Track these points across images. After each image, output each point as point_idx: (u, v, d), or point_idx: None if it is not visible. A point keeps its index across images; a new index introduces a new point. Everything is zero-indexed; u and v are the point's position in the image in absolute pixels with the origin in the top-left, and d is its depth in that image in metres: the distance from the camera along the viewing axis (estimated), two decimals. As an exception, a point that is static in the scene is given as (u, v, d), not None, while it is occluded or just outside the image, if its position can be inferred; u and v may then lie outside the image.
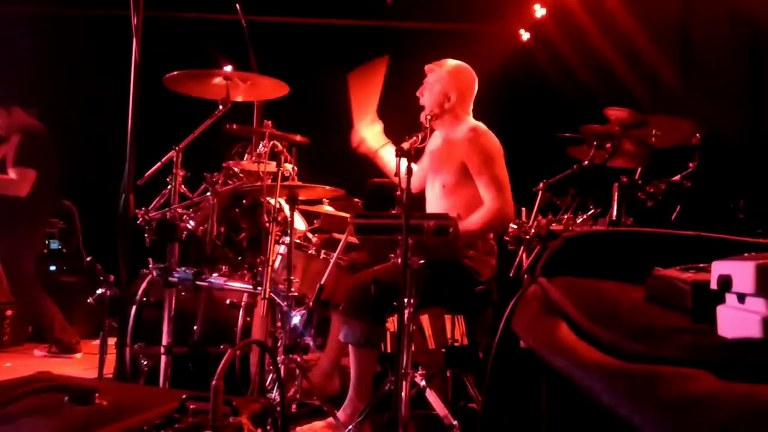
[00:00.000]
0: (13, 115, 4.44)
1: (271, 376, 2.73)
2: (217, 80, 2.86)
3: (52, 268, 5.06)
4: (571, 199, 3.18)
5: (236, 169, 3.13)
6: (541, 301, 1.26)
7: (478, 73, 3.15)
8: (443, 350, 3.07)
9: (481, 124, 3.03)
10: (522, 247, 3.01)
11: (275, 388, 2.66)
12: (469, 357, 2.99)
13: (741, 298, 0.84)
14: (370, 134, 3.24)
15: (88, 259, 3.10)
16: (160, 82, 2.81)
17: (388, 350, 3.03)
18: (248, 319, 3.08)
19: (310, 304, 2.88)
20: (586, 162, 3.19)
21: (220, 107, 2.84)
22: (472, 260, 2.88)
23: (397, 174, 2.30)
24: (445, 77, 3.05)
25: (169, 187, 2.95)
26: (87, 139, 5.57)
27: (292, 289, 2.77)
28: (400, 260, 2.26)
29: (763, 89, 4.23)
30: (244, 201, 3.38)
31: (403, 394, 2.27)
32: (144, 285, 3.15)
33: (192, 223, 2.97)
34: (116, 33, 2.91)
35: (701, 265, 1.06)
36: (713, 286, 0.89)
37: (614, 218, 3.11)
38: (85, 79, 5.69)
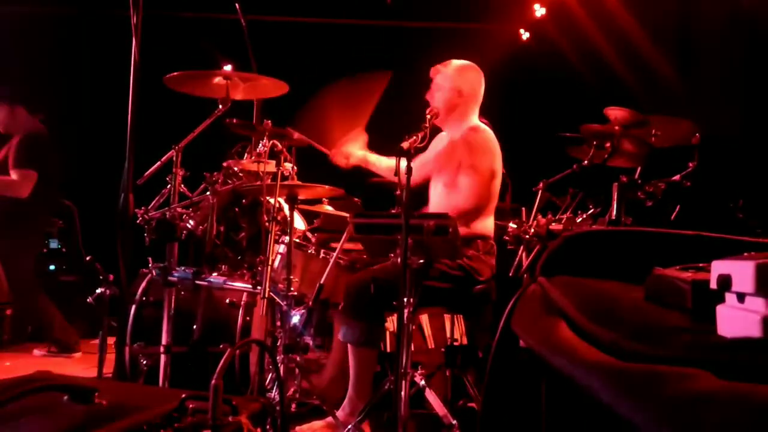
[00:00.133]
0: (16, 114, 4.44)
1: (270, 375, 2.73)
2: (217, 80, 2.85)
3: (52, 267, 5.06)
4: (570, 199, 3.18)
5: (236, 169, 3.13)
6: (540, 300, 1.26)
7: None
8: (443, 350, 3.06)
9: (481, 125, 3.05)
10: (522, 247, 3.02)
11: (275, 388, 2.66)
12: (468, 356, 2.99)
13: (741, 297, 0.84)
14: (353, 148, 3.27)
15: (88, 258, 3.09)
16: (160, 82, 2.81)
17: (388, 350, 3.03)
18: (248, 318, 3.08)
19: (310, 303, 2.88)
20: (585, 162, 3.19)
21: (220, 107, 2.84)
22: (472, 260, 2.88)
23: (397, 173, 2.30)
24: (454, 75, 3.07)
25: (168, 186, 2.95)
26: (87, 138, 5.57)
27: (292, 289, 2.76)
28: (399, 260, 2.26)
29: (763, 89, 4.24)
30: (243, 200, 3.38)
31: (402, 393, 2.27)
32: (143, 284, 3.14)
33: (191, 222, 2.97)
34: (116, 33, 2.91)
35: (701, 264, 1.06)
36: (713, 285, 0.89)
37: (614, 218, 3.11)
38: (85, 79, 5.69)
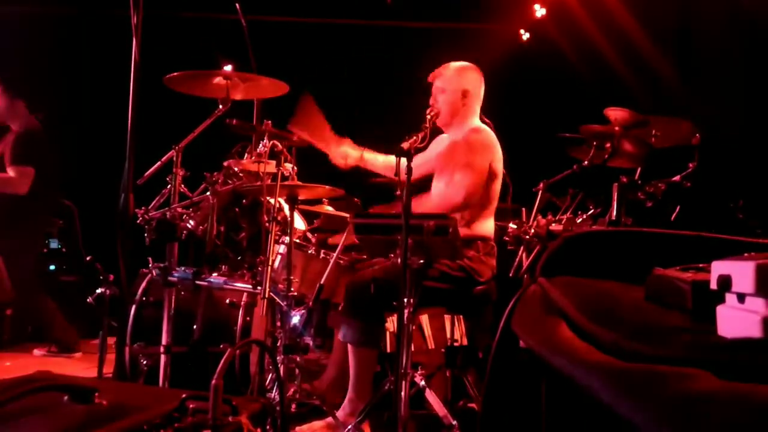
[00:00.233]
0: (15, 106, 4.43)
1: (270, 375, 2.73)
2: (217, 80, 2.86)
3: (52, 267, 5.06)
4: (570, 199, 3.18)
5: (236, 169, 3.13)
6: (541, 300, 1.26)
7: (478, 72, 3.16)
8: (443, 350, 3.07)
9: (483, 126, 3.05)
10: (522, 247, 3.02)
11: (275, 388, 2.66)
12: (468, 357, 2.99)
13: (741, 297, 0.84)
14: (345, 148, 3.28)
15: (88, 258, 3.09)
16: (160, 82, 2.81)
17: (388, 350, 3.03)
18: (248, 318, 3.08)
19: (310, 303, 2.88)
20: (585, 162, 3.20)
21: (220, 106, 2.84)
22: (472, 260, 2.88)
23: (398, 173, 2.30)
24: (456, 77, 3.08)
25: (168, 186, 2.95)
26: (87, 138, 5.57)
27: (292, 289, 2.77)
28: (399, 260, 2.26)
29: (763, 89, 4.24)
30: (243, 200, 3.38)
31: (402, 393, 2.27)
32: (143, 284, 3.14)
33: (192, 222, 2.97)
34: (116, 33, 2.91)
35: (701, 265, 1.06)
36: (713, 286, 0.89)
37: (614, 218, 3.11)
38: (85, 79, 5.69)
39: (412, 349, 2.52)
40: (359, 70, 5.39)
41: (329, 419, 2.74)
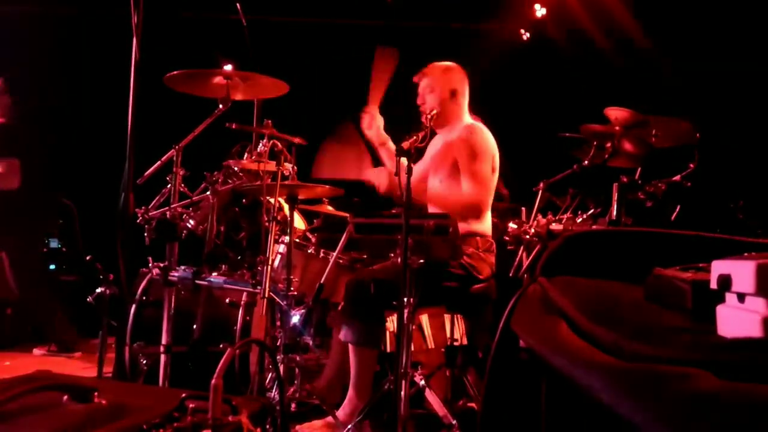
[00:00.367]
0: (2, 101, 4.41)
1: (270, 375, 2.73)
2: (217, 80, 2.86)
3: (52, 267, 5.06)
4: (570, 199, 3.18)
5: (236, 168, 3.13)
6: (541, 300, 1.26)
7: (479, 72, 3.17)
8: (443, 350, 3.07)
9: (478, 123, 3.06)
10: (522, 247, 3.02)
11: (275, 387, 2.66)
12: (468, 356, 2.99)
13: (741, 297, 0.84)
14: (373, 128, 3.22)
15: (88, 258, 3.09)
16: (160, 82, 2.81)
17: (388, 350, 3.03)
18: (248, 318, 3.08)
19: (310, 303, 2.88)
20: (586, 162, 3.20)
21: (220, 106, 2.84)
22: (472, 258, 2.88)
23: (398, 174, 2.30)
24: (443, 76, 3.08)
25: (168, 186, 2.95)
26: (87, 138, 5.57)
27: (292, 289, 2.77)
28: (399, 259, 2.26)
29: (764, 88, 4.24)
30: (243, 200, 3.38)
31: (402, 393, 2.27)
32: (143, 284, 3.14)
33: (192, 222, 2.97)
34: (116, 33, 2.91)
35: (701, 264, 1.06)
36: (713, 285, 0.89)
37: (614, 218, 3.11)
38: (85, 79, 5.69)
39: (412, 348, 2.52)
40: (359, 70, 5.39)
41: (329, 419, 2.74)
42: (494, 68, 3.35)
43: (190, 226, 3.00)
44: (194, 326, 3.11)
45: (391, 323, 2.97)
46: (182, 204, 2.98)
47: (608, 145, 3.19)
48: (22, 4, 5.53)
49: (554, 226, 2.68)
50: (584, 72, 5.13)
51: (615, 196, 3.13)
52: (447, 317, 3.16)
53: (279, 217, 2.96)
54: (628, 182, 3.18)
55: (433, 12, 5.67)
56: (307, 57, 5.56)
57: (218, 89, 2.87)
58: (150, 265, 2.88)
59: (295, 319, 2.79)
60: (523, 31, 5.49)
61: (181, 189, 2.97)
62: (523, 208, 3.49)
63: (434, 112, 2.82)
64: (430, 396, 2.60)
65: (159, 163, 2.93)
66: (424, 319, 3.18)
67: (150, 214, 2.89)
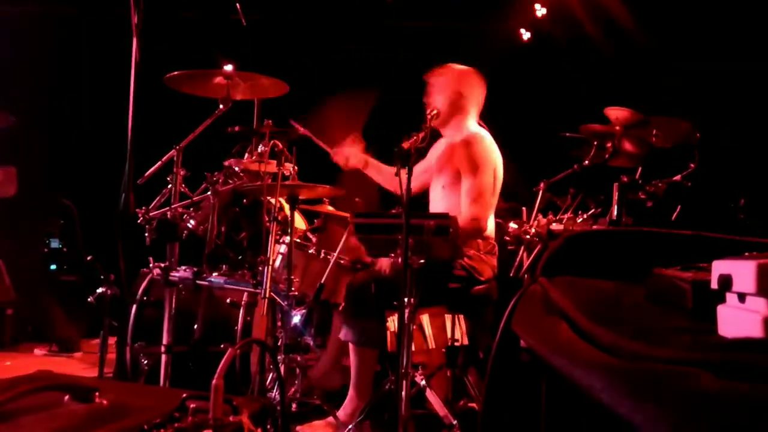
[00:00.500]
0: None
1: (271, 375, 2.73)
2: (218, 80, 2.86)
3: (52, 267, 5.06)
4: (571, 199, 3.18)
5: (237, 169, 3.13)
6: (541, 300, 1.26)
7: (479, 72, 3.16)
8: (443, 350, 3.07)
9: (481, 132, 3.03)
10: (522, 247, 3.02)
11: (275, 387, 2.67)
12: (469, 356, 3.00)
13: (741, 297, 0.84)
14: (352, 153, 3.26)
15: (88, 258, 3.10)
16: (160, 82, 2.81)
17: (389, 349, 3.03)
18: (248, 318, 3.08)
19: (311, 303, 2.88)
20: (586, 162, 3.20)
21: (221, 106, 2.84)
22: (473, 259, 2.88)
23: (397, 174, 2.30)
24: (456, 78, 3.06)
25: (169, 186, 2.95)
26: (87, 138, 5.56)
27: (293, 289, 2.77)
28: (400, 260, 2.26)
29: (764, 88, 4.24)
30: (244, 200, 3.38)
31: (403, 393, 2.27)
32: (144, 284, 3.14)
33: (192, 222, 2.97)
34: (116, 33, 2.91)
35: (701, 264, 1.06)
36: (713, 285, 0.89)
37: (614, 218, 3.11)
38: (85, 79, 5.68)
39: (413, 348, 2.52)
40: (359, 70, 5.39)
41: (330, 418, 2.74)
42: (494, 68, 3.34)
43: (190, 226, 3.00)
44: (195, 326, 3.11)
45: (392, 323, 2.97)
46: (183, 204, 2.98)
47: (608, 144, 3.19)
48: (22, 4, 5.53)
49: (555, 226, 2.68)
50: (584, 72, 5.13)
51: (615, 196, 3.13)
52: (448, 317, 3.16)
53: (279, 217, 2.97)
54: (628, 182, 3.18)
55: (433, 12, 5.67)
56: (307, 57, 5.55)
57: (218, 89, 2.87)
58: (151, 265, 2.88)
59: (296, 319, 2.79)
60: (523, 31, 5.49)
61: (182, 189, 2.97)
62: (524, 208, 3.49)
63: (434, 112, 2.82)
64: (431, 396, 2.60)
65: (159, 163, 2.93)
66: (425, 319, 3.18)
67: (150, 214, 2.89)
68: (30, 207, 4.42)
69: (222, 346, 2.94)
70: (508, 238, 2.84)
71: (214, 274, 2.93)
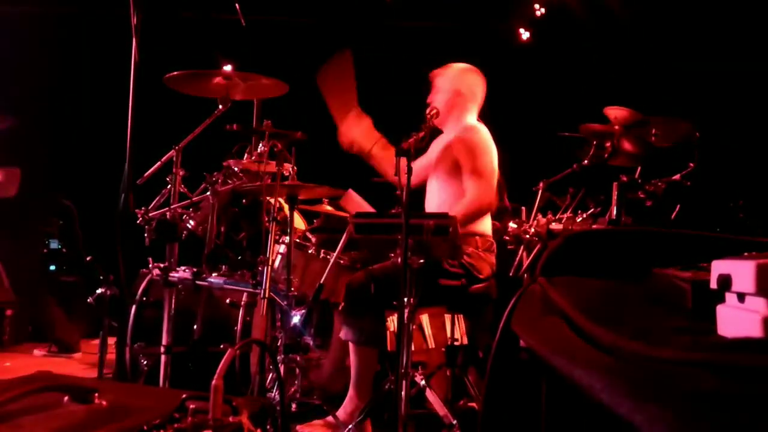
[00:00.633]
0: None
1: (271, 375, 2.73)
2: (217, 80, 2.86)
3: (52, 267, 5.06)
4: (570, 199, 3.18)
5: (236, 169, 3.13)
6: (541, 300, 1.26)
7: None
8: (443, 349, 3.07)
9: (478, 124, 3.06)
10: (522, 247, 3.02)
11: (275, 388, 2.66)
12: (469, 356, 2.99)
13: (741, 297, 0.84)
14: (359, 132, 3.26)
15: (88, 258, 3.10)
16: (160, 82, 2.81)
17: (389, 349, 3.03)
18: (248, 318, 3.08)
19: (310, 303, 2.88)
20: (586, 161, 3.20)
21: (220, 106, 2.84)
22: (472, 257, 2.88)
23: (397, 173, 2.29)
24: (454, 77, 3.10)
25: (168, 186, 2.95)
26: (87, 138, 5.57)
27: (292, 289, 2.77)
28: (400, 259, 2.26)
29: (764, 88, 4.24)
30: (243, 200, 3.38)
31: (403, 393, 2.27)
32: (144, 284, 3.14)
33: (192, 222, 2.97)
34: (116, 33, 2.91)
35: (701, 264, 1.06)
36: (713, 285, 0.89)
37: (614, 218, 3.11)
38: (85, 79, 5.68)
39: (413, 348, 2.52)
40: (359, 70, 5.39)
41: (330, 418, 2.74)
42: (494, 68, 3.35)
43: (190, 226, 3.00)
44: (195, 327, 3.11)
45: (392, 323, 2.97)
46: (182, 204, 2.98)
47: (608, 144, 3.19)
48: (22, 4, 5.53)
49: (554, 226, 2.68)
50: (584, 72, 5.13)
51: (615, 196, 3.13)
52: (447, 317, 3.16)
53: (279, 218, 2.96)
54: (628, 181, 3.18)
55: (433, 12, 5.67)
56: (307, 57, 5.55)
57: (218, 89, 2.87)
58: (150, 265, 2.88)
59: (296, 319, 2.79)
60: (523, 30, 5.49)
61: (181, 189, 2.97)
62: (523, 208, 3.49)
63: (434, 111, 2.83)
64: (431, 396, 2.60)
65: (159, 163, 2.93)
66: (425, 318, 3.18)
67: (150, 214, 2.89)
68: (30, 207, 4.42)
69: (222, 346, 2.94)
70: (507, 238, 2.84)
71: (214, 274, 2.93)
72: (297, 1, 5.84)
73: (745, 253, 0.97)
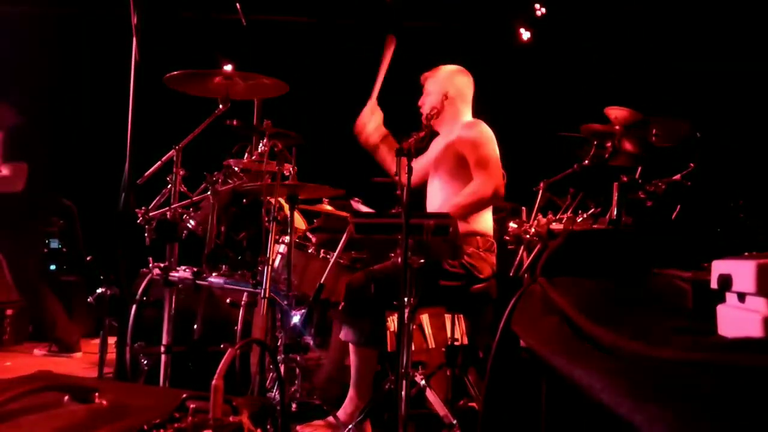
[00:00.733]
0: None
1: (271, 375, 2.73)
2: (217, 80, 2.86)
3: (52, 267, 5.06)
4: (571, 199, 3.18)
5: (236, 168, 3.13)
6: (541, 300, 1.26)
7: (478, 72, 3.18)
8: (443, 349, 3.07)
9: (477, 120, 3.09)
10: (522, 247, 3.02)
11: (275, 388, 2.66)
12: (469, 356, 2.99)
13: (741, 297, 0.84)
14: (372, 124, 3.27)
15: (88, 258, 3.09)
16: (160, 82, 2.81)
17: (389, 349, 3.03)
18: (248, 318, 3.07)
19: (310, 303, 2.88)
20: (586, 161, 3.20)
21: (220, 106, 2.84)
22: (472, 257, 2.88)
23: (397, 173, 2.30)
24: (442, 80, 3.14)
25: (169, 186, 2.95)
26: (87, 138, 5.57)
27: (292, 289, 2.77)
28: (400, 259, 2.26)
29: (764, 88, 4.24)
30: (244, 200, 3.38)
31: (403, 393, 2.27)
32: (144, 284, 3.14)
33: (192, 222, 2.97)
34: (116, 33, 2.91)
35: (701, 264, 1.06)
36: (713, 285, 0.89)
37: (614, 218, 3.11)
38: (85, 79, 5.69)
39: (413, 348, 2.52)
40: (359, 70, 5.39)
41: (330, 419, 2.74)
42: (494, 68, 3.35)
43: (190, 226, 3.00)
44: (195, 326, 3.11)
45: (392, 323, 2.97)
46: (182, 204, 2.98)
47: (608, 144, 3.19)
48: (22, 4, 5.53)
49: (554, 226, 2.68)
50: (584, 72, 5.13)
51: (615, 196, 3.13)
52: (447, 317, 3.16)
53: (279, 217, 2.96)
54: (628, 182, 3.18)
55: (433, 12, 5.67)
56: (307, 57, 5.55)
57: (218, 89, 2.87)
58: (150, 265, 2.88)
59: (296, 319, 2.79)
60: (523, 30, 5.49)
61: (182, 189, 2.97)
62: (524, 208, 3.49)
63: (434, 111, 2.84)
64: (431, 396, 2.60)
65: (159, 163, 2.93)
66: (425, 318, 3.18)
67: (150, 214, 2.89)
68: (31, 207, 4.42)
69: (222, 346, 2.94)
70: (507, 238, 2.84)
71: (214, 274, 2.93)
72: (297, 1, 5.84)
73: (746, 254, 0.97)
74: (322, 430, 2.75)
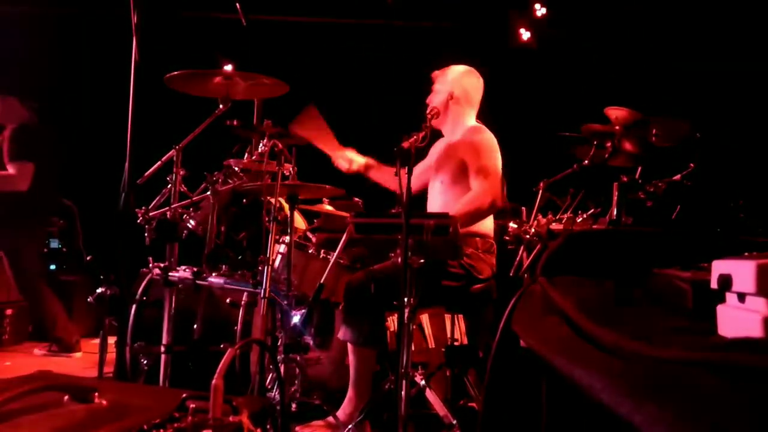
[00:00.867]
0: (8, 105, 4.41)
1: (271, 375, 2.73)
2: (217, 80, 2.86)
3: (52, 267, 5.06)
4: (571, 199, 3.18)
5: (236, 168, 3.13)
6: (541, 300, 1.26)
7: (478, 72, 3.17)
8: (443, 349, 3.07)
9: (481, 126, 3.08)
10: (522, 247, 3.02)
11: (275, 388, 2.67)
12: (469, 356, 2.99)
13: (741, 297, 0.84)
14: (351, 165, 3.28)
15: (88, 258, 3.09)
16: (160, 82, 2.81)
17: (389, 349, 3.03)
18: (248, 318, 3.07)
19: (310, 303, 2.88)
20: (586, 161, 3.20)
21: (220, 106, 2.84)
22: (471, 258, 2.88)
23: (397, 173, 2.29)
24: (450, 80, 3.14)
25: (169, 186, 2.95)
26: (87, 138, 5.57)
27: (292, 289, 2.77)
28: (400, 259, 2.26)
29: (764, 87, 4.24)
30: (244, 200, 3.38)
31: (402, 393, 2.27)
32: (144, 284, 3.14)
33: (192, 222, 2.97)
34: (116, 33, 2.91)
35: (701, 264, 1.06)
36: (713, 285, 0.89)
37: (614, 218, 3.11)
38: (85, 79, 5.69)
39: (413, 348, 2.52)
40: (359, 70, 5.40)
41: (330, 419, 2.74)
42: (494, 68, 3.35)
43: (190, 226, 3.00)
44: (195, 326, 3.11)
45: (392, 323, 2.97)
46: (182, 204, 2.98)
47: (608, 144, 3.20)
48: (22, 4, 5.53)
49: (554, 226, 2.68)
50: (584, 72, 5.13)
51: (615, 196, 3.13)
52: (447, 317, 3.16)
53: (279, 217, 2.96)
54: (628, 182, 3.18)
55: (433, 12, 5.67)
56: (307, 57, 5.56)
57: (218, 89, 2.87)
58: (150, 265, 2.88)
59: (296, 319, 2.79)
60: (523, 31, 5.49)
61: (182, 189, 2.97)
62: (524, 208, 3.49)
63: (435, 111, 2.85)
64: (431, 396, 2.60)
65: (159, 163, 2.93)
66: (425, 318, 3.18)
67: (150, 214, 2.89)
68: (34, 207, 4.42)
69: (222, 346, 2.94)
70: (507, 238, 2.84)
71: (214, 274, 2.93)
72: (297, 1, 5.85)
73: (746, 254, 0.97)
74: (322, 430, 2.75)
